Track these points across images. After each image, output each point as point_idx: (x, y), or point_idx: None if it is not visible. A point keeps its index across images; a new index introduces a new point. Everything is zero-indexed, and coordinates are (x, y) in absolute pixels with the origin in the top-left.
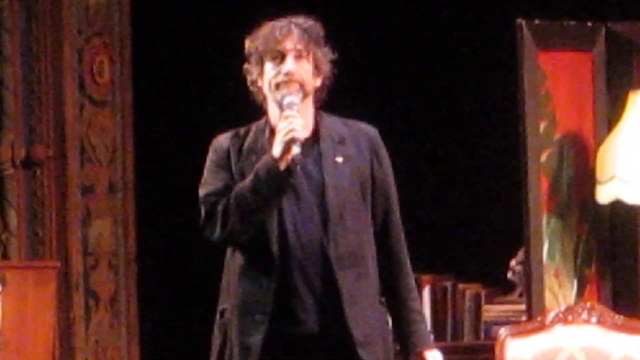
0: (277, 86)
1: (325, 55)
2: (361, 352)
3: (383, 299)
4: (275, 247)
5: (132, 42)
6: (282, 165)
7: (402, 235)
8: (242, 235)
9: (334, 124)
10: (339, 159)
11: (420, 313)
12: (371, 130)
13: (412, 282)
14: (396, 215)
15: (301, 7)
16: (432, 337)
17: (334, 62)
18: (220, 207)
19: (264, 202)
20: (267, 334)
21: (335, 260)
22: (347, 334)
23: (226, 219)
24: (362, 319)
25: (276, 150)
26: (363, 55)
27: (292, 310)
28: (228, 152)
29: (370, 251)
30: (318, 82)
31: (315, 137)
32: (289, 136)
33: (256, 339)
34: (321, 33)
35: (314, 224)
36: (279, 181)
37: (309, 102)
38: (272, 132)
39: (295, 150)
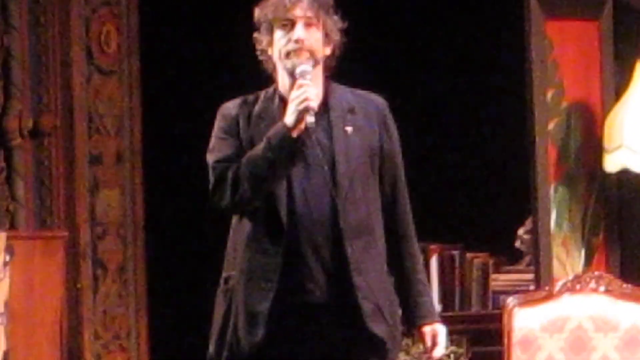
0: (288, 54)
1: (335, 23)
2: (369, 322)
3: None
4: (283, 215)
5: (139, 11)
6: (295, 134)
7: (409, 206)
8: (252, 203)
9: (344, 93)
10: (349, 128)
11: (426, 285)
12: (380, 101)
13: (419, 253)
14: (403, 185)
15: None
16: (437, 309)
17: (343, 31)
18: (230, 174)
19: (275, 170)
20: (274, 302)
21: (344, 230)
22: (356, 304)
23: (236, 186)
24: (370, 290)
25: (289, 119)
26: (366, 24)
27: (300, 279)
28: (237, 119)
29: (378, 222)
30: (328, 51)
31: (325, 106)
32: (302, 105)
33: (263, 307)
34: (331, 1)
35: (323, 193)
36: (291, 150)
37: (319, 71)
38: (282, 100)
39: (309, 119)
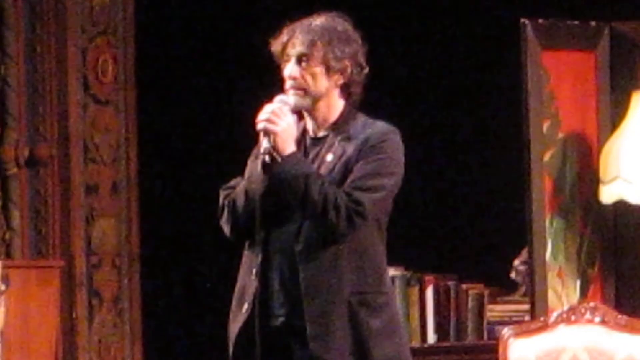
0: (287, 90)
1: (344, 52)
2: (313, 346)
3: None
4: (259, 238)
5: (136, 42)
6: (260, 157)
7: (339, 194)
8: (245, 230)
9: (355, 124)
10: (329, 157)
11: None
12: (377, 130)
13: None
14: (354, 186)
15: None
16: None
17: (365, 57)
18: (227, 201)
19: (247, 193)
20: (243, 325)
21: (298, 254)
22: (304, 327)
23: (228, 213)
24: (321, 314)
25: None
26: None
27: (268, 302)
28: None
29: (345, 246)
30: (340, 81)
31: (332, 134)
32: (258, 126)
33: (234, 328)
34: (339, 28)
35: (292, 218)
36: (254, 172)
37: (330, 102)
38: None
39: (264, 143)
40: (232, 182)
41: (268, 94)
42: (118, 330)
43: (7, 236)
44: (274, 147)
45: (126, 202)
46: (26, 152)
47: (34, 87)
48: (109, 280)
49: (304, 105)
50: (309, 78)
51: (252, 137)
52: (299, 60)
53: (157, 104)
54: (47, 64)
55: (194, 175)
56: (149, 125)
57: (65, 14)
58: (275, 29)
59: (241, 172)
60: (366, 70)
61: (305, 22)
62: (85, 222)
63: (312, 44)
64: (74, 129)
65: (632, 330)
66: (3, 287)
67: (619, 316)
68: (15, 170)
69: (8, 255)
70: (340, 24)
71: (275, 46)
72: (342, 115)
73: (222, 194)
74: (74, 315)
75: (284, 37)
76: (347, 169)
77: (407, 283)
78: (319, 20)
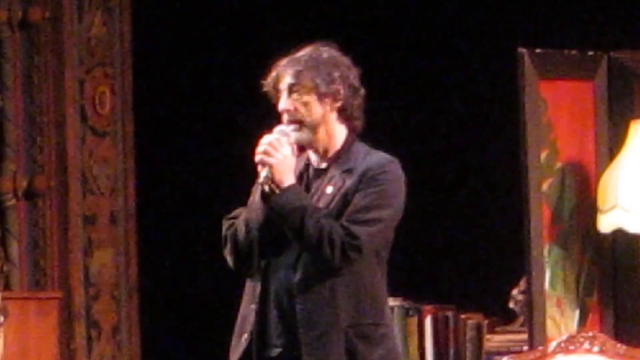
0: (286, 122)
1: (332, 76)
2: None
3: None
4: (261, 267)
5: (133, 73)
6: (258, 188)
7: (334, 228)
8: (246, 260)
9: (357, 154)
10: (329, 190)
11: None
12: (376, 161)
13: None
14: (351, 220)
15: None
16: None
17: (359, 79)
18: (229, 231)
19: (247, 223)
20: (243, 354)
21: (295, 284)
22: (301, 358)
23: (231, 243)
24: (318, 345)
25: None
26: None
27: (267, 332)
28: None
29: (342, 278)
30: (335, 105)
31: (333, 165)
32: (256, 158)
33: (234, 358)
34: (325, 55)
35: (291, 248)
36: (254, 202)
37: (330, 130)
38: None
39: (262, 173)
40: (234, 213)
41: (268, 122)
42: None
43: (5, 268)
44: (272, 179)
45: (124, 233)
46: (24, 184)
47: (31, 118)
48: (107, 312)
49: (305, 139)
50: (302, 108)
51: (253, 168)
52: (290, 92)
53: (155, 135)
54: (45, 95)
55: (193, 206)
56: (147, 156)
57: (63, 45)
58: (274, 58)
59: (242, 203)
60: (362, 91)
61: (291, 56)
62: (84, 254)
63: (299, 74)
64: (72, 160)
65: (631, 359)
66: (1, 319)
67: (618, 345)
68: (13, 201)
69: (6, 286)
70: (326, 51)
71: (267, 86)
72: (344, 145)
73: (224, 224)
74: (72, 346)
75: (273, 75)
76: (345, 201)
77: (406, 313)
78: (303, 51)
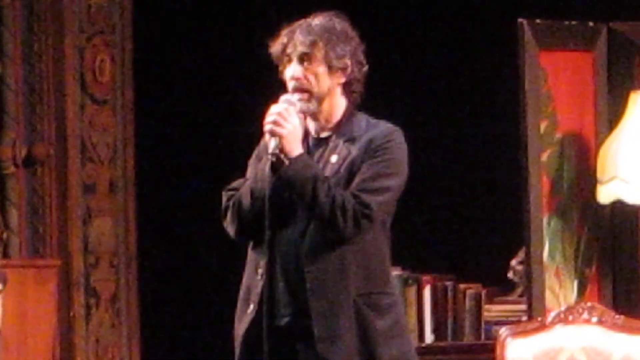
0: (292, 90)
1: (344, 51)
2: (321, 347)
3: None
4: (267, 238)
5: (133, 41)
6: (268, 159)
7: (347, 198)
8: (250, 230)
9: (358, 124)
10: (334, 158)
11: None
12: (380, 130)
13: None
14: (360, 189)
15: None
16: (430, 339)
17: (364, 54)
18: (231, 202)
19: (252, 194)
20: (250, 324)
21: (304, 254)
22: (311, 328)
23: (233, 214)
24: (328, 314)
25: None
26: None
27: (274, 303)
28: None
29: (351, 247)
30: (342, 79)
31: (335, 135)
32: (266, 127)
33: (241, 329)
34: (338, 28)
35: (298, 218)
36: (261, 173)
37: (333, 101)
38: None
39: (272, 143)
40: (234, 184)
41: (266, 94)
42: (115, 329)
43: (4, 235)
44: (281, 149)
45: (123, 202)
46: (24, 152)
47: (31, 86)
48: (106, 280)
49: (311, 110)
50: (311, 78)
51: (251, 138)
52: (301, 61)
53: (155, 104)
54: (45, 63)
55: (191, 175)
56: (147, 124)
57: (63, 13)
58: (274, 30)
59: (242, 173)
60: (366, 67)
61: (304, 22)
62: (83, 222)
63: (313, 44)
64: (71, 128)
65: (630, 330)
66: (0, 287)
67: (616, 316)
68: (12, 169)
69: (5, 254)
70: (339, 23)
71: (275, 48)
72: (344, 115)
73: (225, 195)
74: (71, 314)
75: (283, 39)
76: (352, 171)
77: (405, 283)
78: (317, 20)
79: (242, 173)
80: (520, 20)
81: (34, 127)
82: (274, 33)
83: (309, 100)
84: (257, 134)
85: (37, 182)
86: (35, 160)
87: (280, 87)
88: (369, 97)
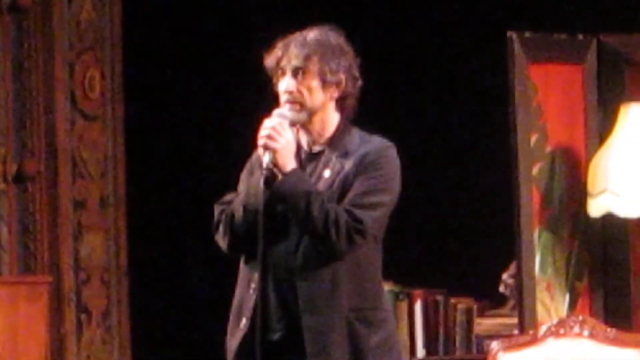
0: (284, 103)
1: (339, 65)
2: None
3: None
4: (260, 253)
5: (123, 57)
6: (262, 173)
7: (340, 213)
8: (242, 244)
9: (351, 138)
10: (327, 173)
11: None
12: (374, 145)
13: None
14: (354, 204)
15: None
16: (422, 353)
17: (359, 68)
18: (223, 216)
19: (245, 207)
20: (243, 339)
21: (296, 269)
22: (303, 343)
23: (225, 227)
24: (320, 330)
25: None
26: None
27: (266, 317)
28: (253, 166)
29: (344, 262)
30: (335, 94)
31: (328, 149)
32: (259, 142)
33: (233, 344)
34: (333, 42)
35: (291, 233)
36: (254, 187)
37: (326, 116)
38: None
39: (266, 157)
40: (226, 197)
41: (258, 108)
42: (107, 346)
43: None
44: (275, 163)
45: (114, 218)
46: (14, 168)
47: (21, 102)
48: (97, 296)
49: (301, 120)
50: (305, 92)
51: (241, 152)
52: (295, 75)
53: (145, 119)
54: (35, 79)
55: (182, 190)
56: (137, 140)
57: (53, 29)
58: (267, 43)
59: (232, 187)
60: (360, 82)
61: (299, 36)
62: (74, 238)
63: (307, 58)
64: (61, 144)
65: (621, 343)
66: None
67: (608, 329)
68: (3, 186)
69: None
70: (334, 37)
71: (269, 61)
72: (337, 129)
73: (217, 208)
74: (62, 331)
75: (278, 52)
76: (345, 186)
77: (396, 297)
78: (312, 34)
79: (234, 187)
80: (509, 33)
81: (24, 143)
82: (267, 47)
83: (300, 111)
84: (249, 148)
85: (28, 199)
86: (26, 176)
87: (272, 101)
88: (360, 111)
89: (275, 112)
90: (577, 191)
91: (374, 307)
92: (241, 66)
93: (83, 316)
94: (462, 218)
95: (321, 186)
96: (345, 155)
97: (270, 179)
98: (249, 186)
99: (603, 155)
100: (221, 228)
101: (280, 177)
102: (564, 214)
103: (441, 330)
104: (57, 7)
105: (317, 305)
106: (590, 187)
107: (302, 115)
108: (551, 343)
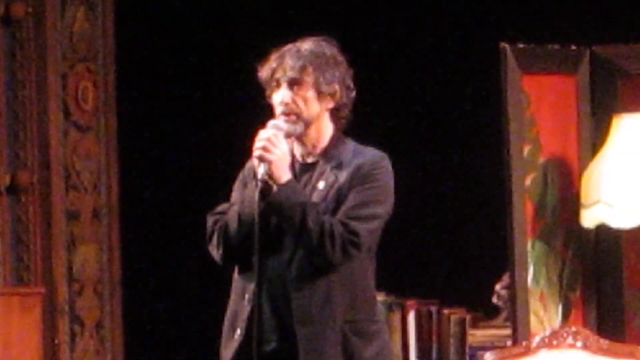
0: (280, 115)
1: (334, 76)
2: None
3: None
4: (255, 264)
5: (116, 68)
6: (258, 185)
7: (335, 225)
8: (236, 255)
9: (345, 150)
10: (321, 184)
11: None
12: (368, 157)
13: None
14: (349, 216)
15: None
16: None
17: (353, 79)
18: (217, 226)
19: (240, 218)
20: (237, 350)
21: (291, 280)
22: (297, 355)
23: (219, 238)
24: (314, 341)
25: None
26: None
27: (262, 328)
28: (246, 177)
29: (338, 273)
30: (330, 104)
31: (322, 160)
32: (254, 153)
33: (228, 354)
34: (328, 53)
35: (285, 244)
36: (248, 198)
37: (321, 127)
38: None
39: (261, 169)
40: (220, 208)
41: (252, 119)
42: (100, 357)
43: None
44: (270, 175)
45: (107, 229)
46: (7, 179)
47: (14, 113)
48: (90, 307)
49: (297, 132)
50: (300, 103)
51: (234, 163)
52: (291, 86)
53: (138, 131)
54: (28, 90)
55: (176, 202)
56: (130, 151)
57: (46, 40)
58: (261, 54)
59: (225, 198)
60: (354, 92)
61: (293, 47)
62: (67, 249)
63: (303, 69)
64: (54, 155)
65: (614, 354)
66: None
67: (601, 340)
68: None
69: None
70: (328, 48)
71: (263, 72)
72: (332, 140)
73: (210, 219)
74: (56, 342)
75: (272, 63)
76: (339, 197)
77: (389, 308)
78: (306, 45)
79: (227, 198)
80: (502, 44)
81: (17, 155)
82: (261, 58)
83: (295, 122)
84: (242, 159)
85: (21, 210)
86: (19, 187)
87: (265, 112)
88: (353, 121)
89: (270, 123)
90: (570, 202)
91: (368, 319)
92: (234, 78)
93: (76, 327)
94: (455, 229)
95: (315, 197)
96: (339, 166)
97: (265, 191)
98: (244, 197)
99: (596, 166)
100: (215, 239)
101: (275, 188)
102: (557, 225)
103: (434, 341)
104: (50, 19)
105: (311, 316)
106: (583, 198)
107: (298, 127)
108: (544, 354)
